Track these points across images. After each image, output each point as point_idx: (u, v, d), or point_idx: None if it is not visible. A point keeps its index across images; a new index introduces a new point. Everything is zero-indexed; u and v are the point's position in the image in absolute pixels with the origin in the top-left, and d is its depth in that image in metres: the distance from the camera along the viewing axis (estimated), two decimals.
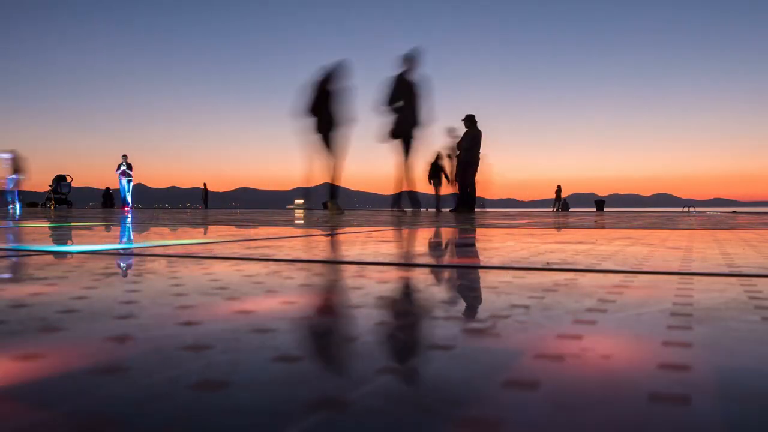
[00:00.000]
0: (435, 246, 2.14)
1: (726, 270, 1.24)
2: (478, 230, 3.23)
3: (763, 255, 1.62)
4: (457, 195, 9.56)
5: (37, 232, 2.90)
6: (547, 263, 1.39)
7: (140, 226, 3.85)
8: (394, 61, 6.95)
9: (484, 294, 0.93)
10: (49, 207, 19.17)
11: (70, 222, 4.58)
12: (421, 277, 1.15)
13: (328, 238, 2.60)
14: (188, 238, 2.44)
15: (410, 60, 6.93)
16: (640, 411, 0.40)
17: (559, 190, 25.42)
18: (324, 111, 6.70)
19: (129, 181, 17.03)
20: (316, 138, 6.84)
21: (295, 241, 2.24)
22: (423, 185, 11.85)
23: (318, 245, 2.10)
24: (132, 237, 2.68)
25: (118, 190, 17.17)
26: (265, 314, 0.74)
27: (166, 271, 1.22)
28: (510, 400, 0.42)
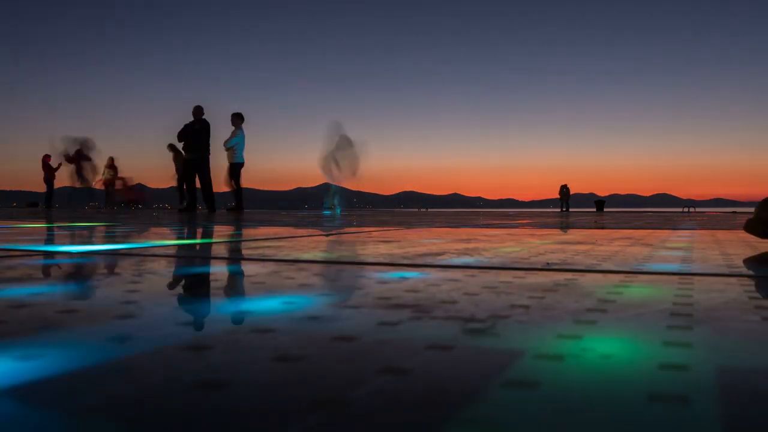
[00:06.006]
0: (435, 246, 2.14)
1: (726, 270, 1.24)
2: (481, 230, 3.22)
3: (763, 255, 1.62)
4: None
5: (37, 233, 2.90)
6: (548, 263, 1.39)
7: (141, 226, 3.85)
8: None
9: (485, 294, 0.93)
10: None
11: (69, 222, 4.58)
12: (420, 277, 1.15)
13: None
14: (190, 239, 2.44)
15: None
16: (640, 411, 0.40)
17: (565, 190, 23.94)
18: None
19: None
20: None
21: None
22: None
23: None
24: (133, 237, 2.69)
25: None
26: (265, 314, 0.74)
27: (166, 270, 1.22)
28: (510, 400, 0.42)
